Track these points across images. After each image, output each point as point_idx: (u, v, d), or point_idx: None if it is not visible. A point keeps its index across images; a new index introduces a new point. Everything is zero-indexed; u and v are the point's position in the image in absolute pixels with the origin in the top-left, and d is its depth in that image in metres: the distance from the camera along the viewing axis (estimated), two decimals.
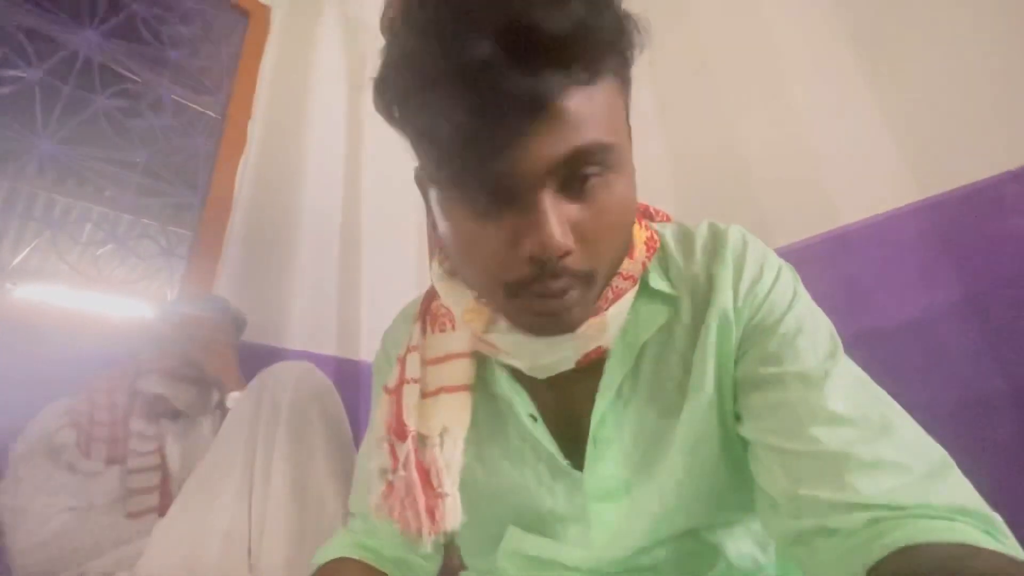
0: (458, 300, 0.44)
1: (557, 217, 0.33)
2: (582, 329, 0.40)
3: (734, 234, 0.46)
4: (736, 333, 0.43)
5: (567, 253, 0.34)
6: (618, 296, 0.41)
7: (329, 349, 1.53)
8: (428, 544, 0.41)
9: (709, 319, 0.43)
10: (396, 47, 0.35)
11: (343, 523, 0.69)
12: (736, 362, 0.43)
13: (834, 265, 0.86)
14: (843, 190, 0.91)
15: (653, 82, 1.31)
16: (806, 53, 1.03)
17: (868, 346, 0.82)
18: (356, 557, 0.51)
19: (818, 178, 0.95)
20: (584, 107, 0.33)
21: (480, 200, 0.34)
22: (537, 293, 0.36)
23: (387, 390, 0.49)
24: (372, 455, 0.47)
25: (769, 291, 0.43)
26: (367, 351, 1.62)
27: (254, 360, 1.14)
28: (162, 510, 0.82)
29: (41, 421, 0.84)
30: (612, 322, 0.42)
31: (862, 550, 0.30)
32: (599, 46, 0.33)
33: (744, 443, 0.42)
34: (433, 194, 0.39)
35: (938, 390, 0.72)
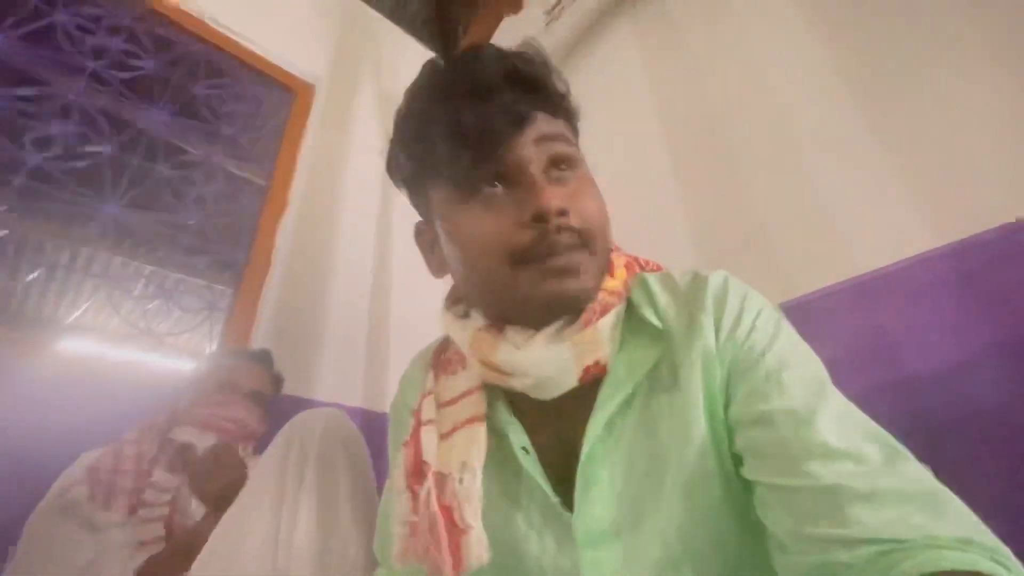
0: (466, 329, 0.48)
1: (549, 186, 0.43)
2: (578, 337, 0.43)
3: (715, 278, 0.48)
4: (721, 373, 0.43)
5: (563, 212, 0.42)
6: (606, 309, 0.44)
7: (356, 401, 1.56)
8: None
9: (693, 360, 0.44)
10: (416, 90, 0.49)
11: (364, 571, 0.69)
12: (727, 406, 0.43)
13: (856, 314, 0.86)
14: (859, 239, 0.93)
15: (668, 144, 1.38)
16: (814, 107, 1.08)
17: (897, 397, 0.80)
18: None
19: (833, 228, 0.97)
20: (553, 123, 0.47)
21: (485, 189, 0.44)
22: (545, 252, 0.41)
23: (404, 444, 0.50)
24: (392, 507, 0.47)
25: (750, 330, 0.44)
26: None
27: (284, 410, 1.17)
28: None
29: (62, 477, 0.86)
30: (604, 332, 0.44)
31: None
32: (561, 95, 0.48)
33: (748, 488, 0.41)
34: (441, 215, 0.48)
35: (974, 441, 0.70)
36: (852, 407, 0.40)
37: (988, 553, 0.30)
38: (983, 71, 0.86)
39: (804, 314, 0.93)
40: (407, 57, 2.45)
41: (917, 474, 0.35)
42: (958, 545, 0.30)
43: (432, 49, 2.59)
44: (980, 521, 0.32)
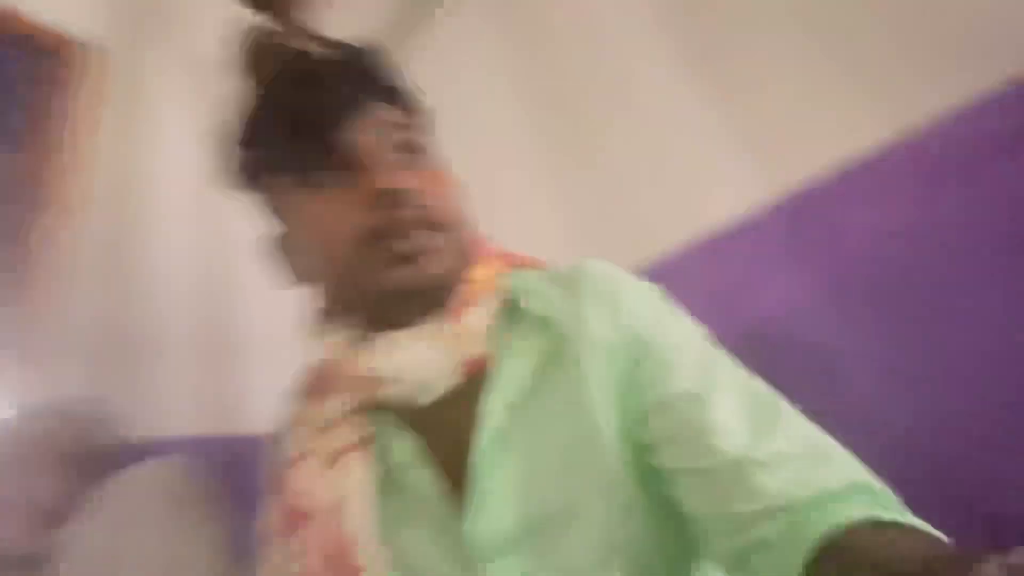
0: (334, 344, 0.46)
1: (395, 169, 0.43)
2: (447, 330, 0.43)
3: (594, 267, 0.48)
4: (614, 365, 0.43)
5: (408, 190, 0.41)
6: (474, 301, 0.45)
7: (210, 427, 1.35)
8: None
9: (583, 354, 0.43)
10: (250, 92, 0.48)
11: None
12: (626, 398, 0.43)
13: (706, 270, 0.93)
14: (707, 196, 0.98)
15: (524, 117, 1.35)
16: (653, 74, 1.13)
17: (747, 348, 0.87)
18: None
19: (681, 188, 1.02)
20: (393, 111, 0.47)
21: (328, 176, 0.43)
22: (392, 233, 0.40)
23: (273, 488, 0.47)
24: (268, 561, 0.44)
25: (636, 318, 0.44)
26: (262, 421, 1.46)
27: (113, 461, 0.96)
28: None
29: None
30: (475, 324, 0.44)
31: (788, 556, 0.31)
32: (401, 89, 0.49)
33: (665, 478, 0.41)
34: (288, 213, 0.48)
35: (817, 381, 0.78)
36: (740, 372, 0.42)
37: (876, 500, 0.33)
38: (792, 29, 0.95)
39: (663, 274, 0.99)
40: (212, 7, 2.06)
41: (802, 429, 0.37)
42: (849, 495, 0.32)
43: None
44: (864, 468, 0.35)
